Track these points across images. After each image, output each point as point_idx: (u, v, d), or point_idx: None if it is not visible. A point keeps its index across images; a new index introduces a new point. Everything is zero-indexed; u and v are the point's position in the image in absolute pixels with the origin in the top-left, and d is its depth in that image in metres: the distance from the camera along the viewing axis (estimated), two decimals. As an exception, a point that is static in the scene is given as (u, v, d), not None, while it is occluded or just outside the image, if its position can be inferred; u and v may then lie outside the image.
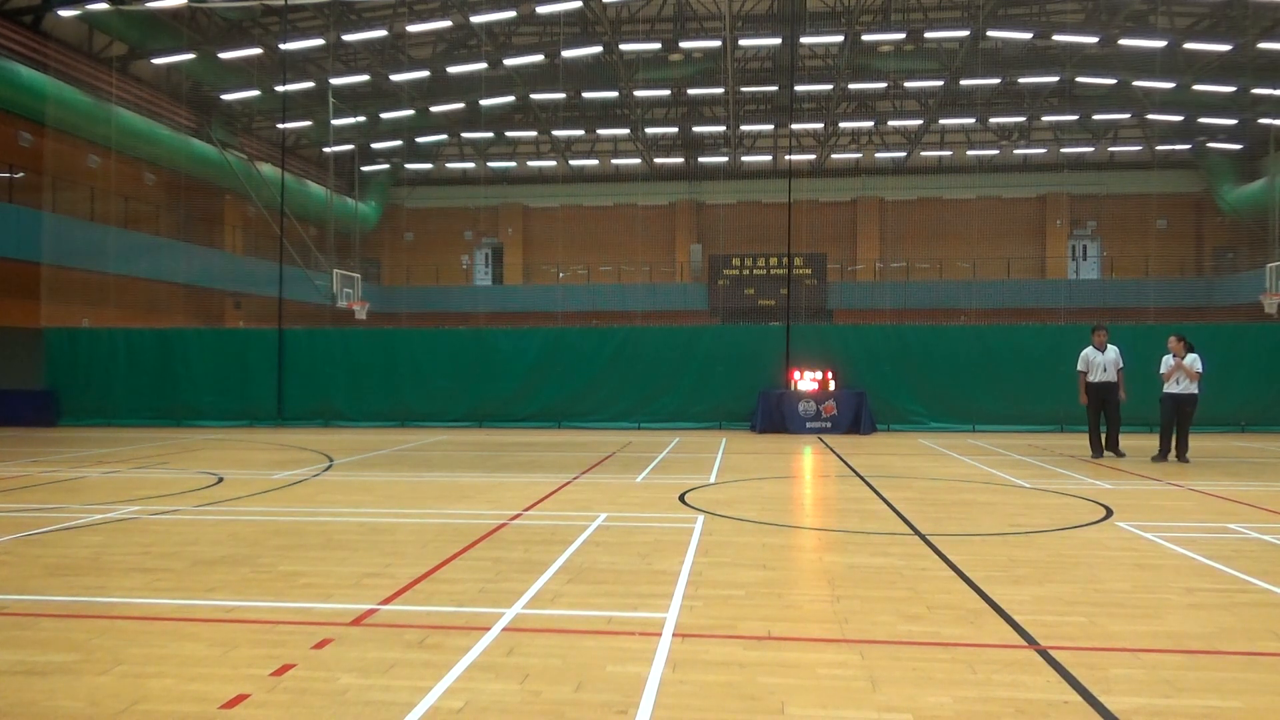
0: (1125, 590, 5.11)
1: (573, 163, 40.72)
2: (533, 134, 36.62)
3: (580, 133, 36.85)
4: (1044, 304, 34.65)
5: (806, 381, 17.32)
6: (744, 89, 31.78)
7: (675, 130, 36.75)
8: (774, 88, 31.51)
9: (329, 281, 28.26)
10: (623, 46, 27.45)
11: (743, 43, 26.73)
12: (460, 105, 32.12)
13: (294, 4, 24.94)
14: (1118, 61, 27.94)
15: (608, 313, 35.70)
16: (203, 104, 29.93)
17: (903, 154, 37.75)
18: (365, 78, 29.39)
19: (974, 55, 27.70)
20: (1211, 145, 34.49)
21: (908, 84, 30.50)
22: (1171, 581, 5.32)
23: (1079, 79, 29.44)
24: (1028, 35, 26.00)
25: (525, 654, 3.97)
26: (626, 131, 36.83)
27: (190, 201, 29.62)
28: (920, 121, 33.56)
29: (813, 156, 38.29)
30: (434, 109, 32.12)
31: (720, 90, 31.05)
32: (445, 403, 18.73)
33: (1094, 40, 25.51)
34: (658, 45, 27.04)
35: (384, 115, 32.81)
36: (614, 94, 31.58)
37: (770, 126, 35.62)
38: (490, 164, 40.55)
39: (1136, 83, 28.80)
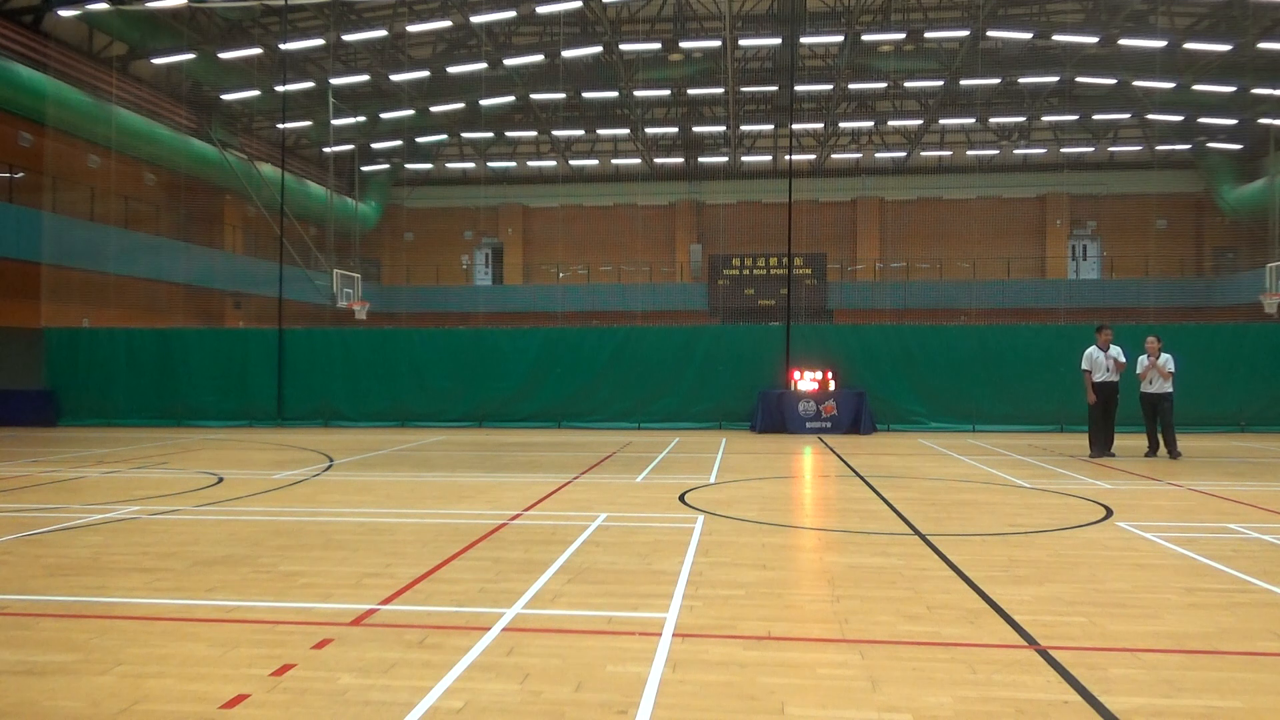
0: (1125, 590, 5.11)
1: (573, 163, 40.72)
2: (533, 134, 36.62)
3: (580, 133, 36.85)
4: (1044, 304, 34.65)
5: (806, 381, 17.32)
6: (744, 89, 31.78)
7: (675, 130, 36.75)
8: (774, 88, 31.51)
9: (329, 281, 28.26)
10: (623, 46, 27.45)
11: (743, 43, 26.73)
12: (460, 105, 32.12)
13: (294, 4, 24.94)
14: (1118, 61, 27.94)
15: (608, 313, 35.70)
16: (203, 104, 29.93)
17: (903, 154, 37.75)
18: (365, 78, 29.39)
19: (974, 55, 27.70)
20: (1211, 145, 34.49)
21: (908, 84, 30.50)
22: (1171, 581, 5.32)
23: (1079, 79, 29.45)
24: (1028, 35, 26.00)
25: (525, 654, 3.97)
26: (626, 131, 36.83)
27: (190, 201, 29.61)
28: (920, 121, 33.56)
29: (813, 156, 38.29)
30: (434, 109, 32.12)
31: (720, 90, 31.05)
32: (445, 403, 18.73)
33: (1094, 40, 25.51)
34: (658, 45, 27.04)
35: (384, 115, 32.81)
36: (614, 94, 31.58)
37: (770, 126, 35.62)
38: (490, 164, 40.55)
39: (1136, 83, 28.80)
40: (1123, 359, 12.65)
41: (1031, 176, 38.71)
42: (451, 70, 28.45)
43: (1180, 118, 31.92)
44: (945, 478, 10.33)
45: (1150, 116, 32.21)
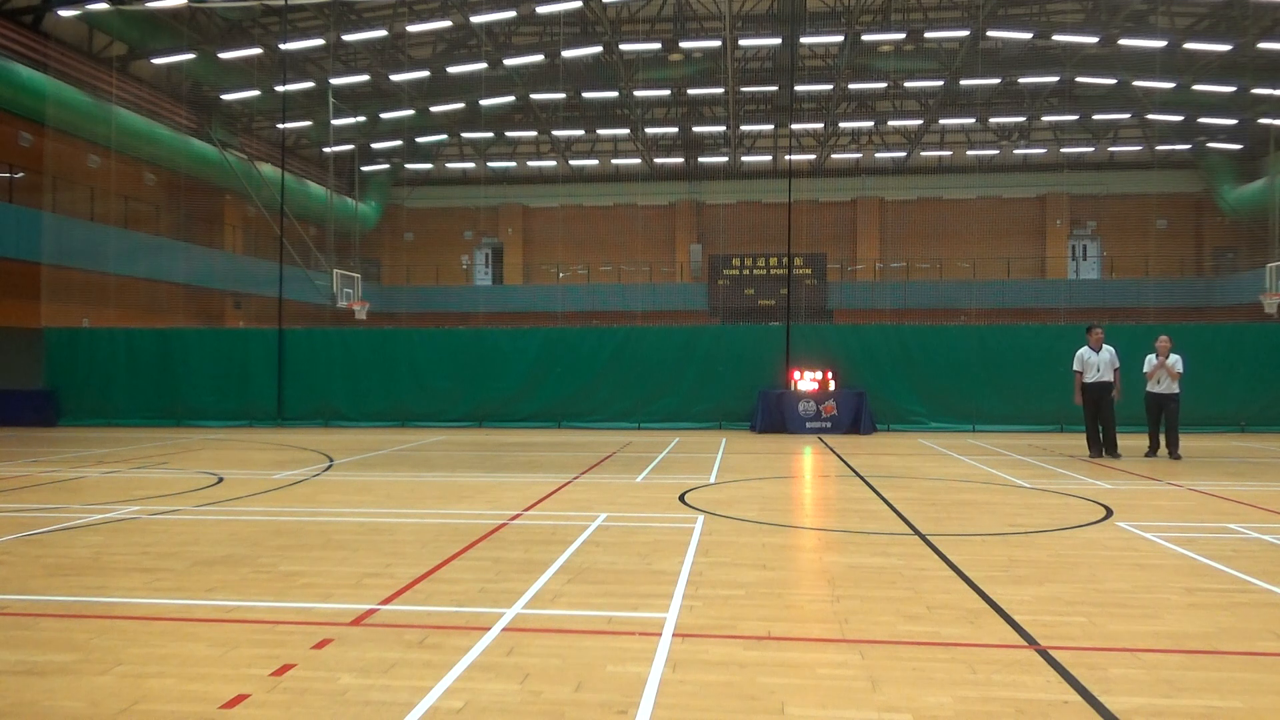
0: (1125, 590, 5.11)
1: (573, 163, 40.73)
2: (533, 134, 36.63)
3: (580, 133, 36.85)
4: (1044, 304, 34.65)
5: (806, 381, 17.32)
6: (744, 89, 31.78)
7: (675, 130, 36.75)
8: (774, 88, 31.51)
9: (329, 281, 28.26)
10: (623, 46, 27.45)
11: (743, 43, 26.73)
12: (460, 105, 32.13)
13: (294, 4, 24.94)
14: (1118, 61, 27.94)
15: (608, 313, 35.70)
16: (203, 104, 29.93)
17: (903, 154, 37.75)
18: (365, 78, 29.40)
19: (974, 55, 27.70)
20: (1211, 145, 34.50)
21: (908, 84, 30.50)
22: (1171, 581, 5.32)
23: (1079, 79, 29.45)
24: (1028, 35, 26.00)
25: (525, 654, 3.97)
26: (626, 131, 36.83)
27: (190, 201, 29.62)
28: (920, 121, 33.56)
29: (813, 156, 38.30)
30: (434, 109, 32.12)
31: (720, 90, 31.04)
32: (445, 403, 18.73)
33: (1094, 40, 25.51)
34: (658, 45, 27.04)
35: (384, 115, 32.81)
36: (614, 94, 31.58)
37: (770, 126, 35.61)
38: (490, 164, 40.55)
39: (1136, 83, 28.80)
40: (1116, 363, 12.56)
41: (1031, 176, 38.72)
42: (451, 70, 28.45)
43: (1180, 118, 31.92)
44: (945, 478, 10.33)
45: (1150, 116, 32.21)
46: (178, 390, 19.05)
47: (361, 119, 32.78)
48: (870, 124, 35.56)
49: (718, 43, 26.58)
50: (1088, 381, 12.60)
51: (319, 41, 26.55)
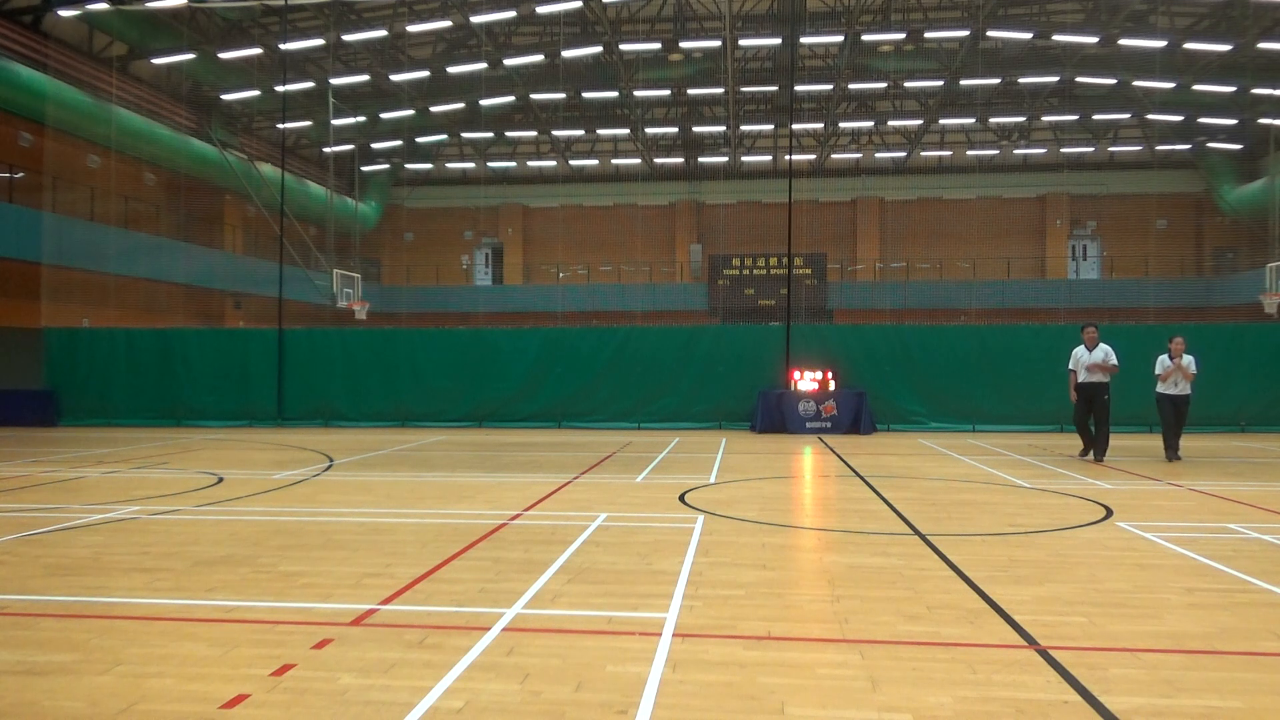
0: (1125, 590, 5.11)
1: (573, 163, 40.73)
2: (533, 134, 36.63)
3: (580, 133, 36.85)
4: (1044, 304, 34.64)
5: (806, 381, 17.32)
6: (744, 89, 31.78)
7: (675, 130, 36.75)
8: (774, 88, 31.51)
9: (329, 281, 28.27)
10: (623, 46, 27.45)
11: (743, 43, 26.73)
12: (460, 105, 32.13)
13: (294, 4, 24.93)
14: (1118, 61, 27.94)
15: (608, 313, 35.70)
16: (203, 104, 29.93)
17: (903, 154, 37.75)
18: (365, 78, 29.40)
19: (974, 55, 27.70)
20: (1211, 145, 34.49)
21: (908, 84, 30.49)
22: (1171, 581, 5.32)
23: (1079, 79, 29.45)
24: (1028, 35, 26.00)
25: (525, 654, 3.97)
26: (626, 131, 36.83)
27: (190, 201, 29.61)
28: (920, 121, 33.56)
29: (813, 156, 38.30)
30: (434, 109, 32.13)
31: (720, 90, 31.05)
32: (445, 403, 18.73)
33: (1094, 40, 25.51)
34: (658, 45, 27.04)
35: (384, 115, 32.82)
36: (614, 94, 31.59)
37: (770, 126, 35.62)
38: (490, 164, 40.55)
39: (1136, 83, 28.80)
40: (1113, 361, 12.02)
41: (1031, 176, 38.71)
42: (451, 70, 28.45)
43: (1180, 118, 31.91)
44: (945, 478, 10.33)
45: (1150, 116, 32.21)
46: (178, 390, 19.05)
47: (361, 119, 32.78)
48: (870, 124, 35.56)
49: (718, 43, 26.58)
50: (1080, 381, 12.46)
51: (319, 41, 26.55)
